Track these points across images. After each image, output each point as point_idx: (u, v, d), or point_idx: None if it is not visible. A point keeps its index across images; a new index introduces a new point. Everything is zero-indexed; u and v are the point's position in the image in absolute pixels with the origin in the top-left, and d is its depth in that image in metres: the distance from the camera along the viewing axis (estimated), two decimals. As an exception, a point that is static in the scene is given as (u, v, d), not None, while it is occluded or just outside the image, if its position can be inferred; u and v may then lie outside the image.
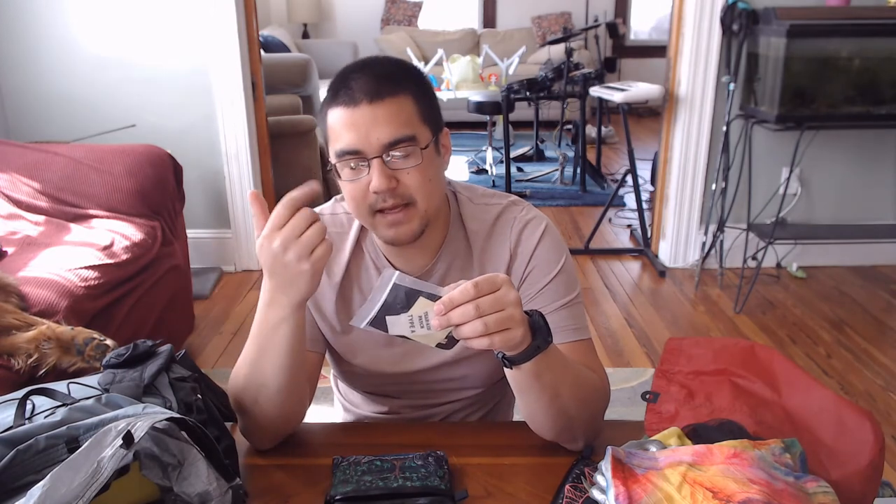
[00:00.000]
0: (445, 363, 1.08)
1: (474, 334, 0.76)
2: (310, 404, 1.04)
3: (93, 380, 0.89)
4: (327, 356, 1.15)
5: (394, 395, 1.17)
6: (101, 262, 2.01)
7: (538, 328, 0.82)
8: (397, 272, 0.76)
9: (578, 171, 4.94)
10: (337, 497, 0.84)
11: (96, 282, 1.94)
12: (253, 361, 0.93)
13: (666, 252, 3.55)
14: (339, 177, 0.96)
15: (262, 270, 0.86)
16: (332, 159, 0.96)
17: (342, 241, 1.08)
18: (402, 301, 0.76)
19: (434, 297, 0.76)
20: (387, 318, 0.77)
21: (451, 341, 0.80)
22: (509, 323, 0.77)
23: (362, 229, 1.08)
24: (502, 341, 0.77)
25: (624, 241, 3.96)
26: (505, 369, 0.85)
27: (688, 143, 3.32)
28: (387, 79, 0.94)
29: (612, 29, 6.25)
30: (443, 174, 1.02)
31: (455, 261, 1.07)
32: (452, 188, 1.11)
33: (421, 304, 0.76)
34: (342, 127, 0.93)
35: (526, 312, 0.82)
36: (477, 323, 0.75)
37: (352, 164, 0.94)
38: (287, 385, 0.93)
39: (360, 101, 0.92)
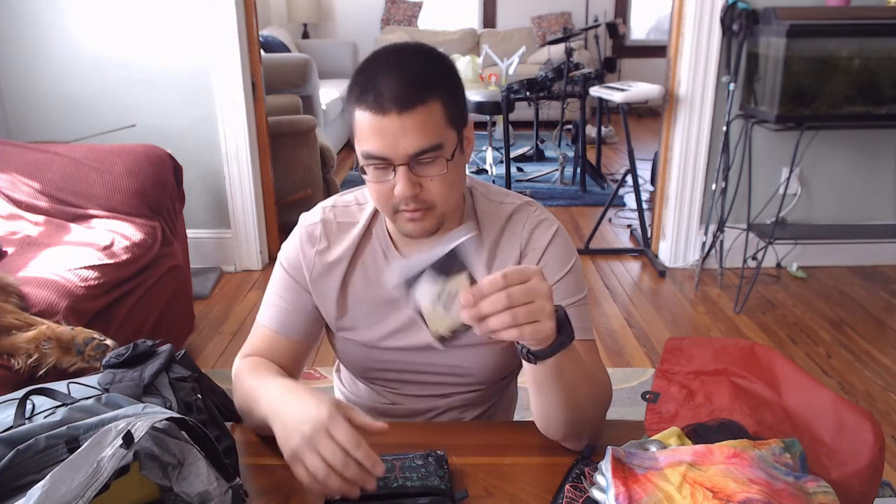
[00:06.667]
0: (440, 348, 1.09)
1: (502, 326, 0.74)
2: None
3: (93, 380, 0.90)
4: (326, 335, 1.18)
5: (392, 381, 1.17)
6: (101, 262, 2.01)
7: (563, 323, 0.81)
8: (473, 234, 0.75)
9: (578, 171, 4.94)
10: (337, 497, 0.84)
11: (96, 282, 1.93)
12: (245, 414, 1.01)
13: (666, 252, 3.55)
14: (364, 173, 0.98)
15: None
16: (359, 157, 0.97)
17: (350, 230, 1.11)
18: (451, 267, 0.75)
19: (474, 281, 0.75)
20: (421, 282, 0.75)
21: (452, 337, 0.79)
22: (539, 315, 0.76)
23: (374, 216, 1.11)
24: (532, 333, 0.76)
25: (624, 241, 3.96)
26: (527, 364, 0.85)
27: (688, 143, 3.32)
28: (417, 83, 0.92)
29: (612, 29, 6.25)
30: (464, 171, 1.04)
31: None
32: (469, 183, 1.12)
33: (458, 281, 0.75)
34: (369, 132, 0.93)
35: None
36: (505, 315, 0.74)
37: (378, 167, 0.95)
38: None
39: (389, 110, 0.91)
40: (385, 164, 0.94)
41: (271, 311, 1.12)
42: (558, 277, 1.05)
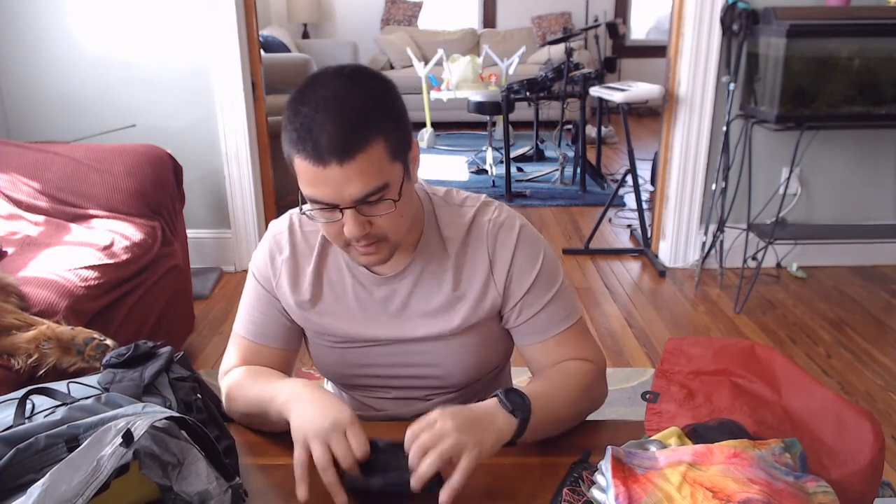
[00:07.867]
0: (412, 340, 1.09)
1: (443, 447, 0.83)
2: None
3: (93, 379, 0.90)
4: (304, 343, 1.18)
5: (369, 386, 1.16)
6: (101, 262, 2.00)
7: (516, 406, 0.90)
8: None
9: (578, 171, 4.94)
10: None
11: (96, 282, 1.93)
12: (252, 417, 1.03)
13: (666, 252, 3.55)
14: (312, 209, 0.95)
15: None
16: (304, 196, 0.95)
17: (314, 237, 1.11)
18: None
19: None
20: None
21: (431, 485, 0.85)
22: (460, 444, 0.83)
23: None
24: (470, 460, 0.83)
25: (624, 241, 3.97)
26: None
27: (688, 143, 3.32)
28: (356, 127, 0.87)
29: (611, 29, 6.25)
30: (412, 195, 1.03)
31: (429, 265, 1.07)
32: (427, 189, 1.11)
33: None
34: (312, 179, 0.90)
35: (496, 396, 0.91)
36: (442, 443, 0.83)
37: (324, 210, 0.94)
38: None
39: (328, 162, 0.87)
40: (331, 207, 0.92)
41: (247, 321, 1.12)
42: (532, 279, 1.06)
